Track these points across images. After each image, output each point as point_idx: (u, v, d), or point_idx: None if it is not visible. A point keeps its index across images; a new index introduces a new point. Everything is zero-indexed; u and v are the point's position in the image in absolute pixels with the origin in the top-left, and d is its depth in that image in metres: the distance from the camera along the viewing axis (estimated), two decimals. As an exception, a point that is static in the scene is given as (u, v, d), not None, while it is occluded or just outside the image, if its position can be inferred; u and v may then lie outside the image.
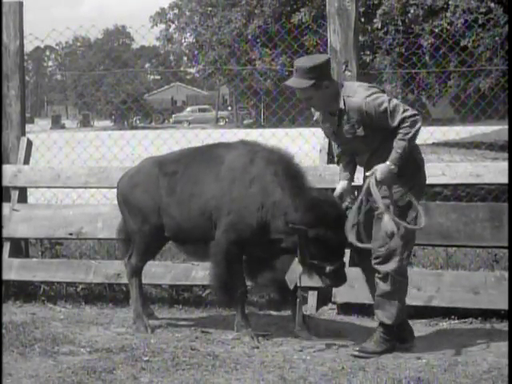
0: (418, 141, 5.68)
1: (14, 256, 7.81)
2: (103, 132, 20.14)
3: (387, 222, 5.54)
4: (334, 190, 6.04)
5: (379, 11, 13.00)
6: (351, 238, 5.63)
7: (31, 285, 7.86)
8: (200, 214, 6.17)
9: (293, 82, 5.72)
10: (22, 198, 8.01)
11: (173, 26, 21.82)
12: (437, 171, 6.73)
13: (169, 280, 7.38)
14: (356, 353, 5.67)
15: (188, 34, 20.21)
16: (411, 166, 5.63)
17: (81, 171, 7.84)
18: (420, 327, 6.39)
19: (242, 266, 6.13)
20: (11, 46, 8.10)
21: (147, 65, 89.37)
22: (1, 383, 5.02)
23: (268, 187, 5.93)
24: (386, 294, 5.66)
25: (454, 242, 6.83)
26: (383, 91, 5.76)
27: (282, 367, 5.41)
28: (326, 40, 7.37)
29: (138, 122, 59.41)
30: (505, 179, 6.59)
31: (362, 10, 12.65)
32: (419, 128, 5.56)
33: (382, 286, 5.67)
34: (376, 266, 5.68)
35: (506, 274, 6.50)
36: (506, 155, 13.60)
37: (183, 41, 21.27)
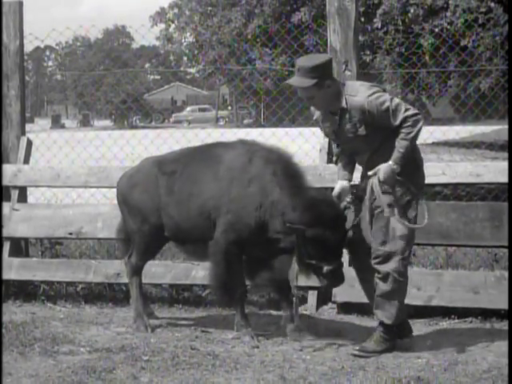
0: (418, 140, 5.68)
1: (14, 255, 7.81)
2: (103, 132, 20.12)
3: (395, 223, 5.55)
4: (333, 189, 6.04)
5: (379, 11, 13.00)
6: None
7: (31, 284, 7.86)
8: (199, 214, 6.16)
9: (295, 81, 5.71)
10: (22, 198, 8.01)
11: (173, 25, 21.80)
12: (437, 171, 6.74)
13: (169, 279, 7.38)
14: (356, 352, 5.67)
15: (188, 34, 20.18)
16: (410, 165, 5.63)
17: (81, 171, 7.84)
18: (420, 327, 6.40)
19: (241, 265, 6.13)
20: (11, 45, 8.11)
21: (147, 65, 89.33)
22: (1, 383, 5.03)
23: (266, 187, 5.92)
24: (386, 294, 5.66)
25: (453, 242, 6.83)
26: (384, 90, 5.76)
27: (282, 367, 5.41)
28: (326, 40, 7.37)
29: (137, 121, 59.41)
30: (505, 179, 6.59)
31: (361, 9, 12.64)
32: (421, 127, 5.56)
33: (382, 286, 5.67)
34: (376, 266, 5.67)
35: (506, 274, 6.50)
36: (505, 155, 13.60)
37: (183, 40, 21.25)
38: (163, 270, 7.35)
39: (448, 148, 20.78)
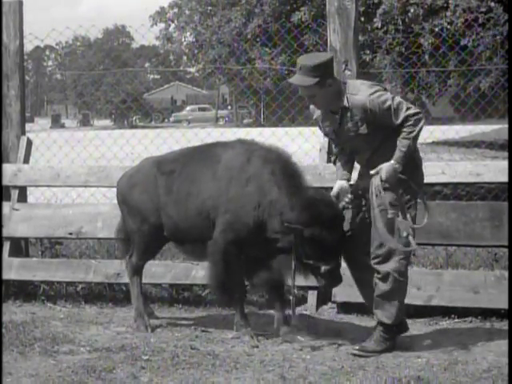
0: (418, 140, 5.68)
1: (14, 255, 7.81)
2: (103, 131, 20.10)
3: (399, 223, 5.54)
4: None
5: (379, 10, 13.00)
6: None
7: (31, 284, 7.86)
8: (197, 214, 6.16)
9: (296, 79, 5.71)
10: (22, 198, 8.01)
11: (172, 25, 21.80)
12: (436, 170, 6.74)
13: (169, 279, 7.38)
14: (356, 352, 5.67)
15: (188, 33, 20.19)
16: (409, 164, 5.62)
17: (80, 170, 7.84)
18: (420, 326, 6.40)
19: (240, 265, 6.11)
20: (11, 45, 8.11)
21: (147, 64, 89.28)
22: (1, 382, 5.03)
23: (265, 186, 5.91)
24: (386, 294, 5.65)
25: (453, 242, 6.83)
26: (385, 89, 5.76)
27: (282, 366, 5.41)
28: (326, 39, 7.37)
29: (137, 121, 59.41)
30: (505, 178, 6.59)
31: (361, 9, 12.66)
32: (422, 126, 5.56)
33: (382, 286, 5.66)
34: (376, 266, 5.67)
35: (506, 274, 6.50)
36: (505, 154, 13.59)
37: (183, 40, 21.25)
38: (163, 269, 7.35)
39: (448, 147, 20.78)
